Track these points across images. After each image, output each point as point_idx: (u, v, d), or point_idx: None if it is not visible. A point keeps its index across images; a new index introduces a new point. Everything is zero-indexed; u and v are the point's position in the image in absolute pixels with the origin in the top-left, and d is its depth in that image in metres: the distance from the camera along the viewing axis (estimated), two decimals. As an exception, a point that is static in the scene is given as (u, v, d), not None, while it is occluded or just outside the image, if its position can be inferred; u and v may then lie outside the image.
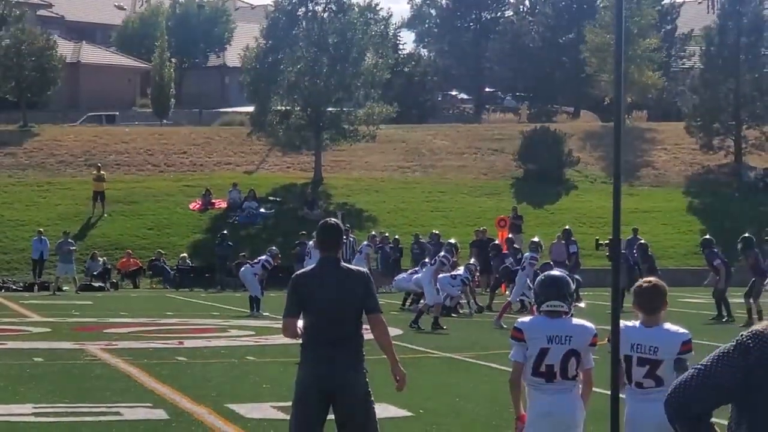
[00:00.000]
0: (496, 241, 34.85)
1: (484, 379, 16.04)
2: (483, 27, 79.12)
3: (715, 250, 27.51)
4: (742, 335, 4.14)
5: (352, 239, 37.71)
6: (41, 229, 41.13)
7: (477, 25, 79.92)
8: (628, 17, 51.88)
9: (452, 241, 27.97)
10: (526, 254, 27.15)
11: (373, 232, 40.58)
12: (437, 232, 39.10)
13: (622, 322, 7.56)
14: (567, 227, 35.40)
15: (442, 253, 26.31)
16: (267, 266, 28.71)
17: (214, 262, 40.65)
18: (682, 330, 7.48)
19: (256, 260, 29.69)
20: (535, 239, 27.85)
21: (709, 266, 27.60)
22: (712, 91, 52.20)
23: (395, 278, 33.32)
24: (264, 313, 26.90)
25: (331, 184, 50.21)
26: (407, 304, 30.38)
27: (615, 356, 7.13)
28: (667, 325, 7.49)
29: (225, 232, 41.53)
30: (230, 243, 40.35)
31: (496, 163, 53.79)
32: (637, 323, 7.48)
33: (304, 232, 38.62)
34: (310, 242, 31.59)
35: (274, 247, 30.97)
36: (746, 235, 27.15)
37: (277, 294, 28.50)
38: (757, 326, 4.14)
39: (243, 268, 29.61)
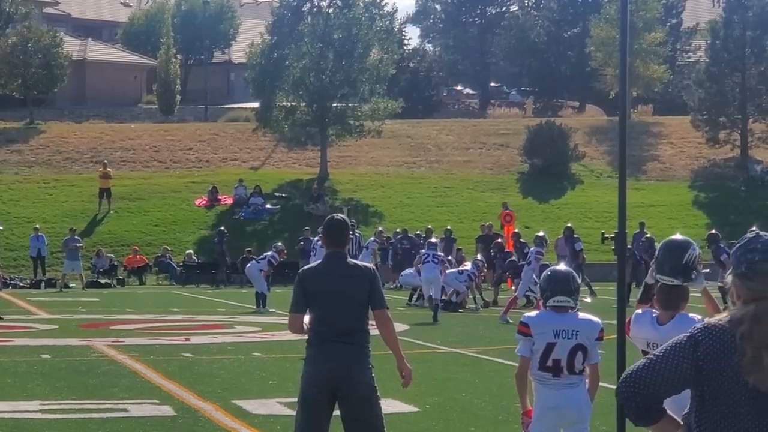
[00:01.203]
0: (499, 240, 34.80)
1: (490, 375, 16.04)
2: (488, 22, 79.04)
3: (722, 245, 27.51)
4: (694, 327, 4.19)
5: (358, 235, 37.74)
6: (37, 226, 41.12)
7: (482, 20, 79.83)
8: (634, 11, 51.81)
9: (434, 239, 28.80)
10: (532, 249, 27.12)
11: (380, 228, 40.57)
12: (431, 227, 39.31)
13: (638, 311, 7.51)
14: (569, 224, 35.34)
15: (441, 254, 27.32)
16: (273, 262, 28.69)
17: (217, 259, 40.60)
18: (698, 317, 7.28)
19: (261, 256, 29.67)
20: (540, 234, 27.80)
21: (715, 261, 27.59)
22: (717, 85, 52.13)
23: (401, 274, 33.35)
24: (270, 310, 26.91)
25: (337, 179, 50.23)
26: (413, 299, 30.40)
27: (621, 349, 7.12)
28: (683, 319, 7.18)
29: (222, 228, 41.38)
30: (225, 239, 40.01)
31: (501, 157, 53.77)
32: (653, 315, 7.36)
33: (307, 227, 38.66)
34: (316, 238, 31.59)
35: (279, 243, 30.95)
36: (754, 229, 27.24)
37: (283, 290, 28.53)
38: (710, 319, 4.20)
39: (249, 265, 29.62)
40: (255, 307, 27.73)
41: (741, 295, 4.11)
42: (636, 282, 29.83)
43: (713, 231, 29.72)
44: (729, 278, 4.17)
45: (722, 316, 4.16)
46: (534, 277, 24.80)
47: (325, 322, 7.93)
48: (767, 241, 4.16)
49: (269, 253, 29.29)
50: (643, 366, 4.22)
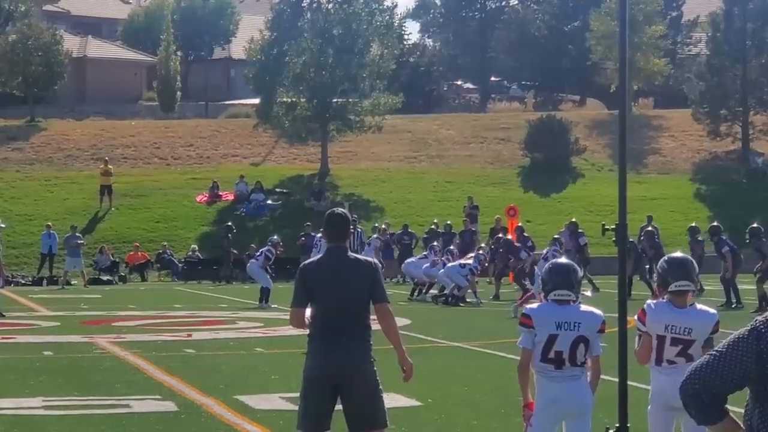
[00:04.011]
0: (500, 234, 34.79)
1: (492, 368, 16.05)
2: (488, 16, 78.94)
3: (724, 237, 27.50)
4: (756, 320, 4.17)
5: (359, 231, 37.70)
6: (50, 223, 41.15)
7: (482, 14, 79.73)
8: (634, 4, 51.70)
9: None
10: (547, 249, 27.34)
11: (383, 225, 40.26)
12: (436, 221, 39.48)
13: (650, 301, 7.67)
14: (573, 219, 35.38)
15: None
16: (270, 256, 28.78)
17: (221, 255, 40.23)
18: (712, 311, 7.75)
19: (258, 252, 29.69)
20: (557, 236, 28.56)
21: (717, 253, 27.58)
22: (718, 78, 52.07)
23: (405, 262, 33.35)
24: (272, 305, 26.92)
25: (338, 175, 50.22)
26: (415, 294, 30.44)
27: (622, 342, 7.12)
28: (699, 306, 7.74)
29: (230, 223, 40.46)
30: (230, 235, 39.17)
31: (502, 152, 53.74)
32: (663, 300, 7.63)
33: (309, 223, 38.59)
34: (319, 234, 31.58)
35: (275, 236, 30.91)
36: (754, 225, 27.36)
37: (285, 285, 28.51)
38: None
39: (249, 264, 29.72)
40: (258, 302, 27.74)
41: None
42: (639, 275, 29.85)
43: (715, 223, 29.66)
44: None
45: None
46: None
47: (327, 316, 7.93)
48: None
49: (265, 248, 29.33)
50: (707, 362, 4.19)
